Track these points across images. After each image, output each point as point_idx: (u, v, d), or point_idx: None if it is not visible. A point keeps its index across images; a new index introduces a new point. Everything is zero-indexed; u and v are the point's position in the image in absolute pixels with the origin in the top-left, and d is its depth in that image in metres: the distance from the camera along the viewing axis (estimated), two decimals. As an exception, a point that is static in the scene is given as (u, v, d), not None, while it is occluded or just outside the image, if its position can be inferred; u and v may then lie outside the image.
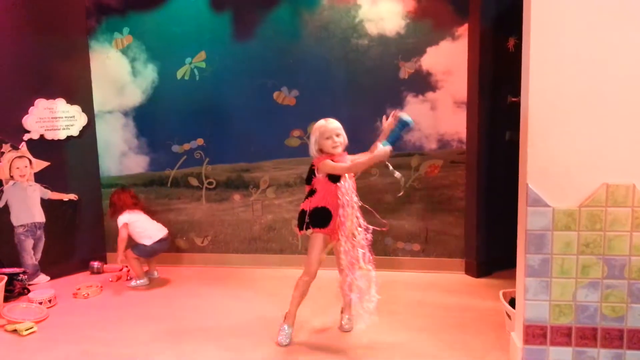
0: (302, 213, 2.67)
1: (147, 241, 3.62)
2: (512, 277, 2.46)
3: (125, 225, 3.61)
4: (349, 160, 2.64)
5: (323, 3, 3.69)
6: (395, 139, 2.43)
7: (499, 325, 2.79)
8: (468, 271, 3.74)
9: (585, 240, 2.18)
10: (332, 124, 2.62)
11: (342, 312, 2.90)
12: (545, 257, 2.21)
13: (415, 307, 3.14)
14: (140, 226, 3.65)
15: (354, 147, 3.73)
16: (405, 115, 2.42)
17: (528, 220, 2.20)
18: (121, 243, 3.59)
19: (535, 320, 2.26)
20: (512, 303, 2.55)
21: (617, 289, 2.19)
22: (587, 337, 2.23)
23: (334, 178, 2.57)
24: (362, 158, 2.56)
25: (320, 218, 2.61)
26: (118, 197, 3.72)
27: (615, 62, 2.09)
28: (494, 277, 3.67)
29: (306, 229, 2.66)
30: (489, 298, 3.20)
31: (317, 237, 2.66)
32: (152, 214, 4.05)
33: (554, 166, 2.16)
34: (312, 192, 2.65)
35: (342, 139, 2.63)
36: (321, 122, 2.65)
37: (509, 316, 2.60)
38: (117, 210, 3.68)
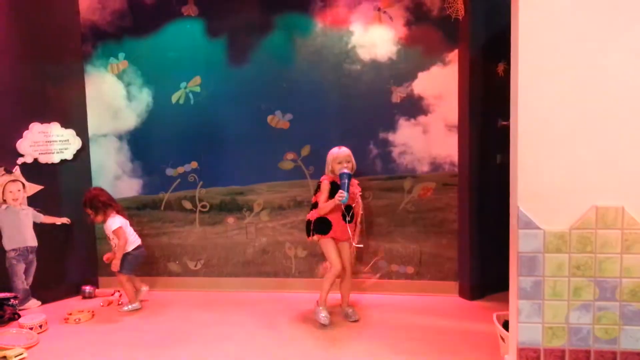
0: (308, 223, 3.33)
1: (130, 246, 3.60)
2: (506, 299, 2.47)
3: (122, 228, 3.56)
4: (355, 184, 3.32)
5: (316, 29, 3.76)
6: (346, 187, 3.10)
7: (492, 348, 2.78)
8: (461, 294, 3.74)
9: (577, 262, 2.20)
10: (343, 153, 3.24)
11: (341, 306, 3.40)
12: (537, 279, 2.23)
13: (408, 330, 3.13)
14: (128, 231, 3.64)
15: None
16: (342, 170, 3.15)
17: (519, 243, 2.22)
18: (122, 248, 3.54)
19: (529, 343, 2.26)
20: (505, 326, 2.55)
21: (609, 310, 2.20)
22: (581, 359, 2.23)
23: (332, 195, 3.17)
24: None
25: (323, 226, 3.25)
26: (103, 194, 3.62)
27: (603, 85, 2.14)
28: (487, 299, 3.68)
29: (312, 236, 3.30)
30: (483, 321, 3.19)
31: (325, 240, 3.26)
32: (146, 237, 4.05)
33: (544, 189, 2.20)
34: (315, 205, 3.29)
35: (351, 165, 3.22)
36: (335, 150, 3.27)
37: (502, 339, 2.59)
38: (107, 208, 3.57)
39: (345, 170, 3.15)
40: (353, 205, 3.27)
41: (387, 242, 3.82)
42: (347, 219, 3.24)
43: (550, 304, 2.23)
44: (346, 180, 3.13)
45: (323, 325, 3.17)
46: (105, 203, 3.57)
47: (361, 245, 3.36)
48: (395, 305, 3.60)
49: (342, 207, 3.22)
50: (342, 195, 3.10)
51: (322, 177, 3.30)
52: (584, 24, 2.13)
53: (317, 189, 3.30)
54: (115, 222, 3.55)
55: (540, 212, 2.20)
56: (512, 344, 2.34)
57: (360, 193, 3.34)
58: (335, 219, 3.24)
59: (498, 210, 3.43)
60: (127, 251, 3.58)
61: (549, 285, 2.22)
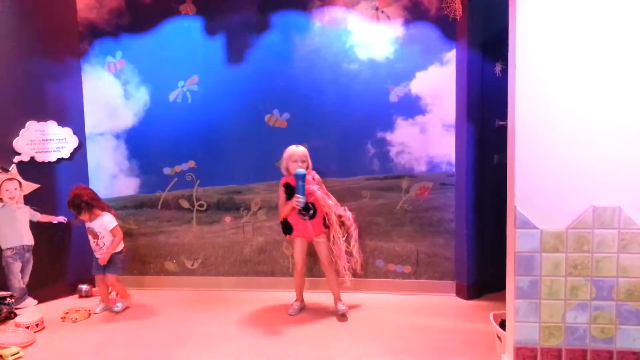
0: (280, 223, 3.45)
1: (119, 247, 3.58)
2: (503, 299, 2.47)
3: (118, 226, 3.54)
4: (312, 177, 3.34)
5: (314, 28, 3.75)
6: (301, 190, 3.18)
7: (489, 347, 2.79)
8: (459, 293, 3.74)
9: (574, 262, 2.21)
10: (300, 152, 3.30)
11: (335, 304, 3.40)
12: (534, 278, 2.23)
13: (405, 329, 3.14)
14: None
15: (345, 168, 3.80)
16: (296, 171, 3.19)
17: (517, 242, 2.23)
18: (117, 244, 3.52)
19: (526, 342, 2.27)
20: (502, 325, 2.56)
21: (605, 310, 2.21)
22: (577, 358, 2.24)
23: (288, 196, 3.28)
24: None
25: (286, 227, 3.39)
26: (85, 192, 3.48)
27: (600, 86, 2.15)
28: (484, 299, 3.68)
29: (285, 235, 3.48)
30: (480, 320, 3.20)
31: (295, 240, 3.42)
32: (143, 235, 4.05)
33: (541, 189, 2.21)
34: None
35: (306, 165, 3.30)
36: (292, 147, 3.32)
37: (499, 338, 2.60)
38: (91, 208, 3.45)
39: (299, 170, 3.20)
40: (310, 201, 3.26)
41: (385, 242, 3.82)
42: (307, 216, 3.27)
43: (547, 303, 2.24)
44: (301, 182, 3.18)
45: (289, 314, 3.41)
46: (88, 202, 3.44)
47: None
48: (392, 304, 3.60)
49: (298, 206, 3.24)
50: (299, 201, 3.19)
51: (282, 179, 3.39)
52: (581, 25, 2.14)
53: (292, 191, 3.32)
54: (112, 221, 3.50)
55: (537, 212, 2.21)
56: (509, 343, 2.34)
57: (319, 187, 3.31)
58: (294, 219, 3.32)
59: (495, 210, 3.44)
60: (117, 254, 3.56)
61: (546, 285, 2.23)
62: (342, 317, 3.32)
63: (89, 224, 3.50)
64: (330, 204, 3.29)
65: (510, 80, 2.25)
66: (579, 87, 2.16)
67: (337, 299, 3.41)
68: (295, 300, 3.52)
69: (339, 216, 3.34)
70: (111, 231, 3.50)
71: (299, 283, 3.50)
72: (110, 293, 3.81)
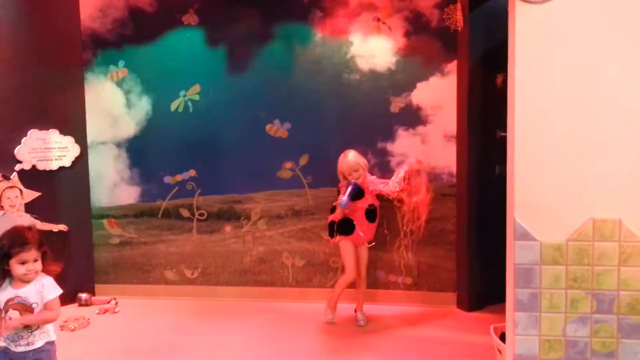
0: (331, 224, 3.40)
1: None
2: (504, 311, 2.45)
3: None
4: (370, 181, 3.43)
5: (316, 39, 3.77)
6: (347, 193, 3.24)
7: (490, 360, 2.76)
8: (460, 305, 3.72)
9: (574, 274, 2.18)
10: (351, 162, 3.32)
11: (355, 311, 3.46)
12: (534, 291, 2.21)
13: (405, 341, 3.11)
14: None
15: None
16: (341, 203, 3.23)
17: (516, 254, 2.21)
18: (52, 321, 2.11)
19: (526, 355, 2.24)
20: (503, 338, 2.53)
21: (606, 323, 2.18)
22: (578, 373, 2.21)
23: (357, 198, 3.28)
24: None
25: (347, 227, 3.32)
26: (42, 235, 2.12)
27: (601, 97, 2.13)
28: (485, 311, 3.65)
29: (335, 237, 3.37)
30: (480, 332, 3.17)
31: (345, 244, 3.34)
32: (143, 244, 4.05)
33: (541, 200, 2.19)
34: (334, 209, 3.38)
35: (361, 170, 3.33)
36: (341, 158, 3.38)
37: (499, 351, 2.57)
38: (51, 260, 2.12)
39: (343, 202, 3.24)
40: (375, 205, 3.38)
41: (385, 252, 3.80)
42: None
43: (547, 316, 2.21)
44: (350, 187, 3.25)
45: (327, 322, 3.41)
46: (48, 253, 2.11)
47: None
48: (392, 316, 3.58)
49: (362, 207, 3.32)
50: (339, 199, 3.25)
51: (340, 184, 3.44)
52: (582, 36, 2.13)
53: (339, 193, 3.40)
54: (57, 287, 2.10)
55: (536, 224, 2.19)
56: (508, 357, 2.31)
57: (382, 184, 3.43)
58: (359, 218, 3.33)
59: (497, 221, 3.41)
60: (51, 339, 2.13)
61: (546, 298, 2.20)
62: (361, 327, 3.38)
63: (16, 291, 2.02)
64: (392, 188, 3.39)
65: (510, 91, 2.24)
66: (579, 98, 2.15)
67: (360, 308, 3.47)
68: (328, 306, 3.45)
69: (405, 178, 3.43)
70: (50, 304, 2.06)
71: (347, 286, 3.39)
72: (109, 301, 3.80)
